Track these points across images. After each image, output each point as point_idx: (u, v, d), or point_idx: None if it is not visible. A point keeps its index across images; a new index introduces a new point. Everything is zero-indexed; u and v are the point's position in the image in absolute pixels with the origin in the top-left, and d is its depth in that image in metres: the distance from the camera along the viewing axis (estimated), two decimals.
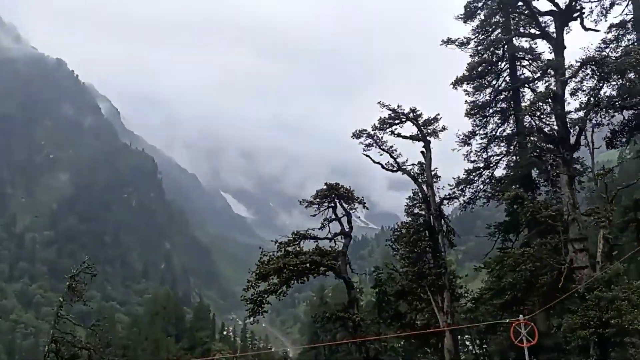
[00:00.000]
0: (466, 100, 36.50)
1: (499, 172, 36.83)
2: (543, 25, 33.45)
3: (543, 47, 35.17)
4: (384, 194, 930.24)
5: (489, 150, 36.65)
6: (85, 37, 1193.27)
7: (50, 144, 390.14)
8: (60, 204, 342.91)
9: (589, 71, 30.12)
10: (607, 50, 32.39)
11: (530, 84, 35.80)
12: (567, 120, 30.16)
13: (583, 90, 30.75)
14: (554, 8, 31.70)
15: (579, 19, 32.08)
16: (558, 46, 31.39)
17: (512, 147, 36.03)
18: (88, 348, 34.52)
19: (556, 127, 29.66)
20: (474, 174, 35.97)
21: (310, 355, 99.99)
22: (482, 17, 35.79)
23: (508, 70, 35.96)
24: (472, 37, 36.38)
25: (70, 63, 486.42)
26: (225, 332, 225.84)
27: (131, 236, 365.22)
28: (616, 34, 32.91)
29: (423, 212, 33.39)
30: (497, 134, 36.75)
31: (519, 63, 36.28)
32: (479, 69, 34.72)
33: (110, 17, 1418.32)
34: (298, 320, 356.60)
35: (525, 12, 33.09)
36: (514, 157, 35.82)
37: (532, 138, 32.73)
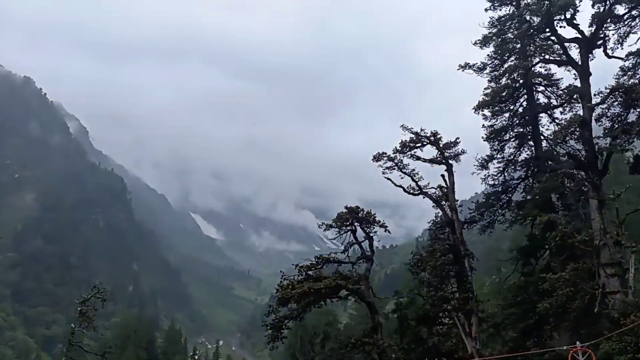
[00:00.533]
0: (483, 125, 36.90)
1: (516, 196, 37.06)
2: (561, 52, 34.09)
3: (560, 74, 35.86)
4: None
5: (505, 174, 36.97)
6: (54, 56, 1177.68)
7: (15, 163, 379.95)
8: (25, 224, 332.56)
9: (614, 98, 30.71)
10: (625, 77, 33.05)
11: (549, 110, 36.33)
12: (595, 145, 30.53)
13: (607, 117, 31.31)
14: (578, 36, 32.38)
15: (602, 46, 32.81)
16: (584, 73, 31.99)
17: (529, 172, 36.37)
18: None
19: (583, 152, 29.94)
20: (492, 197, 36.13)
21: None
22: (499, 42, 36.32)
23: (525, 95, 36.46)
24: (488, 62, 36.92)
25: (39, 81, 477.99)
26: (197, 356, 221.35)
27: (99, 258, 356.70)
28: (634, 62, 33.66)
29: (442, 236, 33.22)
30: (514, 158, 37.12)
31: (535, 89, 36.83)
32: (502, 94, 35.14)
33: (79, 36, 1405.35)
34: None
35: (551, 38, 33.72)
36: (531, 181, 36.12)
37: (550, 162, 33.14)
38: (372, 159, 33.68)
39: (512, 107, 36.27)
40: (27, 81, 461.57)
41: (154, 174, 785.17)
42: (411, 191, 34.39)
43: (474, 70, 36.79)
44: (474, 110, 35.20)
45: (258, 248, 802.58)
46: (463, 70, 36.62)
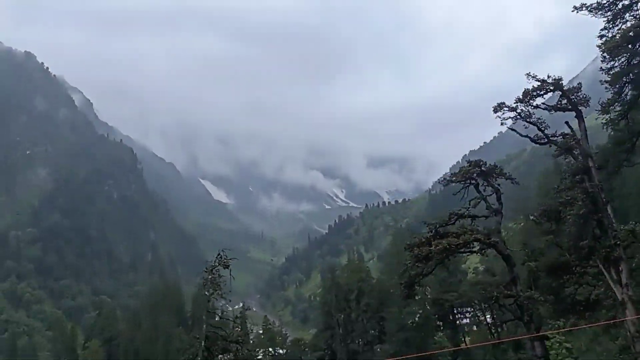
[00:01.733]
0: (601, 68, 35.57)
1: None
2: None
3: None
4: (363, 172, 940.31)
5: (628, 118, 35.89)
6: (49, 28, 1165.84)
7: (26, 140, 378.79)
8: (41, 200, 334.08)
9: None
10: None
11: None
12: None
13: None
14: None
15: None
16: None
17: None
18: (238, 341, 33.25)
19: None
20: (617, 142, 35.13)
21: (326, 335, 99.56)
22: None
23: None
24: (604, 2, 35.37)
25: (39, 55, 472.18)
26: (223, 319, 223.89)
27: (116, 229, 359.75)
28: None
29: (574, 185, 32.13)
30: (637, 100, 35.88)
31: None
32: (630, 35, 33.67)
33: (73, 6, 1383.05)
34: (289, 302, 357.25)
35: None
36: None
37: None
38: (493, 111, 32.47)
39: (631, 48, 34.88)
40: (28, 56, 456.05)
41: (160, 143, 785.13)
42: (538, 140, 33.38)
43: (589, 10, 35.27)
44: (602, 53, 34.02)
45: (269, 210, 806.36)
46: (577, 12, 35.08)
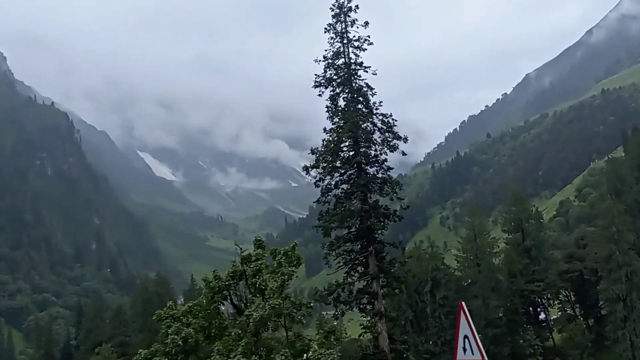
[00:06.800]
0: None
1: None
2: None
3: None
4: None
5: None
6: None
7: None
8: None
9: None
10: None
11: None
12: None
13: None
14: None
15: None
16: None
17: None
18: None
19: None
20: None
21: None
22: None
23: None
24: None
25: None
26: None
27: (54, 212, 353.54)
28: None
29: None
30: None
31: None
32: None
33: None
34: None
35: None
36: None
37: None
38: None
39: None
40: None
41: (87, 106, 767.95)
42: None
43: None
44: None
45: (224, 188, 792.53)
46: None
